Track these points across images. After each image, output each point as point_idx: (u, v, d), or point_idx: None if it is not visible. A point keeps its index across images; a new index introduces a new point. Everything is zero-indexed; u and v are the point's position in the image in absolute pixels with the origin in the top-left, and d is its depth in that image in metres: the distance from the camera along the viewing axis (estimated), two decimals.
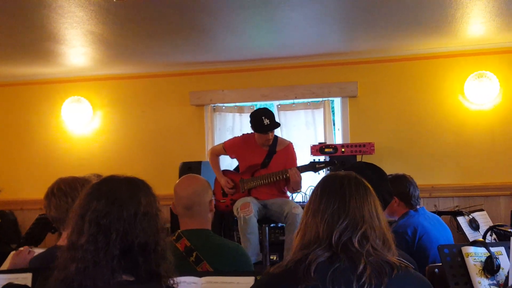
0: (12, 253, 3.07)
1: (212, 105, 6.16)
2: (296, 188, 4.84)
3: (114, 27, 4.58)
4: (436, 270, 2.93)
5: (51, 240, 5.34)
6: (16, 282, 2.38)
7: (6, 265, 3.10)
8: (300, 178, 4.71)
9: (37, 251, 2.87)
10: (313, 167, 4.79)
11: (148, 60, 5.93)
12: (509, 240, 2.50)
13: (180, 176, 5.18)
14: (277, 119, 5.06)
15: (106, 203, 1.72)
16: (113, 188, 1.78)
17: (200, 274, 2.27)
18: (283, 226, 4.94)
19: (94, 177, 4.35)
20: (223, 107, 6.21)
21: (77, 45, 5.15)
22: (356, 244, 1.74)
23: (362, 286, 1.65)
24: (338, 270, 1.70)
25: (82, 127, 6.42)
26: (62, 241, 2.52)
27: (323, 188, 1.89)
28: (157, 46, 5.30)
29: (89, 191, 1.78)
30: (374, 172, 2.66)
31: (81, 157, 6.36)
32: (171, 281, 1.81)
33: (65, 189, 2.59)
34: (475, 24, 4.88)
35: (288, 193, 5.05)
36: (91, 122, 6.42)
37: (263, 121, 4.73)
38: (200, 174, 5.24)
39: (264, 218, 4.82)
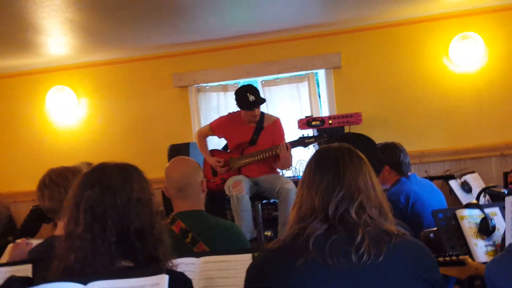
0: (10, 245, 3.08)
1: (196, 85, 6.12)
2: (286, 165, 4.82)
3: (92, 13, 4.52)
4: (431, 235, 2.96)
5: (46, 231, 5.35)
6: (17, 274, 2.38)
7: (5, 257, 3.13)
8: (290, 154, 4.70)
9: (35, 242, 2.89)
10: (302, 142, 4.78)
11: (128, 45, 5.86)
12: (503, 200, 2.52)
13: (169, 158, 5.16)
14: (262, 95, 5.03)
15: (99, 191, 1.72)
16: (105, 175, 1.78)
17: (197, 255, 2.28)
18: (275, 202, 4.95)
19: (84, 166, 4.33)
20: (207, 87, 6.17)
21: (56, 34, 5.09)
22: (353, 215, 1.74)
23: (361, 257, 1.66)
24: (336, 242, 1.70)
25: (68, 116, 6.38)
26: (59, 231, 2.53)
27: (317, 161, 1.88)
28: (136, 30, 5.23)
29: (82, 180, 1.78)
30: (363, 141, 2.66)
31: (68, 147, 6.33)
32: (170, 264, 1.82)
33: (56, 180, 2.59)
34: None
35: (278, 170, 5.04)
36: (76, 111, 6.37)
37: (248, 97, 4.70)
38: (188, 155, 5.24)
39: (256, 195, 4.82)
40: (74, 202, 1.74)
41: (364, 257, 1.66)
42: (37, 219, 4.89)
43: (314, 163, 1.88)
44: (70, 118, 6.38)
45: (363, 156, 1.90)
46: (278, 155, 4.73)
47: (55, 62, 6.18)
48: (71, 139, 6.38)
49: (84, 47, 5.70)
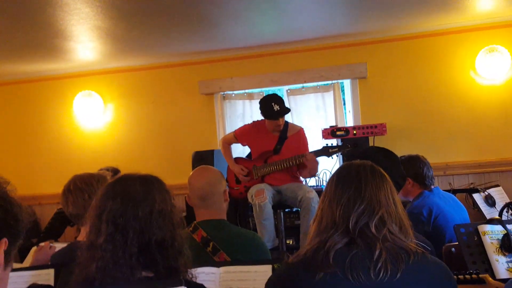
0: (34, 248, 3.14)
1: (222, 93, 6.16)
2: (314, 172, 4.85)
3: (120, 21, 4.60)
4: (453, 249, 2.94)
5: (70, 233, 5.43)
6: (38, 277, 2.43)
7: (28, 261, 3.18)
8: (318, 162, 4.72)
9: (58, 246, 2.93)
10: (326, 151, 4.78)
11: (155, 52, 5.94)
12: None
13: (193, 165, 5.22)
14: (287, 104, 5.05)
15: (122, 203, 1.75)
16: (127, 187, 1.80)
17: (218, 264, 2.30)
18: (298, 210, 4.96)
19: (109, 172, 4.41)
20: (233, 95, 6.20)
21: (85, 40, 5.19)
22: (373, 229, 1.75)
23: (378, 272, 1.67)
24: (356, 257, 1.71)
25: (94, 120, 6.46)
26: (81, 237, 2.57)
27: (339, 176, 1.91)
28: (163, 37, 5.31)
29: (104, 191, 1.81)
30: (385, 156, 2.66)
31: (94, 151, 6.41)
32: (190, 275, 1.84)
33: (81, 186, 2.63)
34: None
35: (302, 178, 5.05)
36: (103, 116, 6.45)
37: (272, 107, 4.73)
38: (212, 162, 5.28)
39: (279, 204, 4.83)
40: (96, 212, 1.77)
41: (382, 273, 1.67)
42: (61, 222, 4.96)
43: (336, 177, 1.91)
44: (97, 122, 6.47)
45: (385, 174, 1.92)
46: (302, 164, 4.74)
47: (83, 67, 6.28)
48: (97, 143, 6.46)
49: (111, 53, 5.80)
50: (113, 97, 6.45)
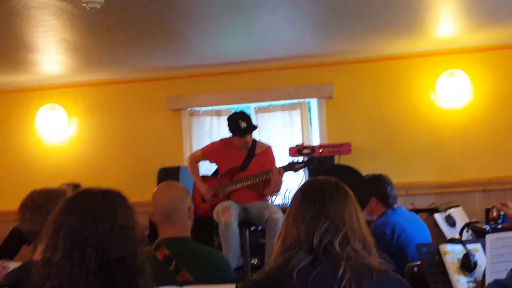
0: None
1: (190, 109, 6.15)
2: (276, 189, 4.85)
3: (88, 35, 4.57)
4: (415, 269, 2.96)
5: (27, 252, 5.27)
6: None
7: None
8: (282, 177, 4.72)
9: (12, 265, 2.82)
10: (292, 167, 4.81)
11: (123, 66, 5.90)
12: (485, 236, 2.54)
13: (158, 182, 5.16)
14: (254, 122, 5.07)
15: (81, 218, 1.68)
16: (88, 202, 1.73)
17: (180, 284, 2.26)
18: (263, 228, 4.95)
19: (70, 187, 4.31)
20: (201, 111, 6.19)
21: (51, 53, 5.13)
22: (337, 247, 1.75)
23: None
24: (320, 275, 1.71)
25: (57, 134, 6.36)
26: (38, 255, 2.48)
27: (304, 192, 1.91)
28: (132, 52, 5.28)
29: (63, 206, 1.74)
30: (350, 174, 2.68)
31: (57, 165, 6.28)
32: None
33: (39, 201, 2.53)
34: (445, 25, 4.97)
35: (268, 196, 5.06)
36: (67, 130, 6.35)
37: (240, 124, 4.74)
38: (178, 179, 5.23)
39: (245, 222, 4.81)
40: (53, 228, 1.69)
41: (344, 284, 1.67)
42: (17, 240, 4.76)
43: (301, 194, 1.91)
44: (60, 136, 6.36)
45: (349, 190, 1.93)
46: (268, 180, 4.74)
47: (47, 80, 6.18)
48: (60, 158, 6.34)
49: (78, 67, 5.74)
50: (78, 111, 6.36)
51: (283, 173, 4.72)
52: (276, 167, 4.77)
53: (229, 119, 4.86)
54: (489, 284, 1.65)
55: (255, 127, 4.86)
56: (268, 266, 1.81)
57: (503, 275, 1.64)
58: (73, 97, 6.36)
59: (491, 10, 4.59)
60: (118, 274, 1.67)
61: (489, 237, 2.48)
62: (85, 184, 4.97)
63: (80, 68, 5.81)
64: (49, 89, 6.35)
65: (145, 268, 1.75)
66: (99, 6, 3.62)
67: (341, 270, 1.70)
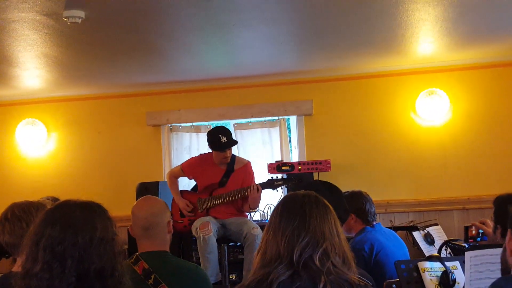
0: None
1: (169, 125, 6.14)
2: (254, 205, 4.84)
3: (68, 49, 4.55)
4: (394, 286, 2.98)
5: (5, 265, 5.18)
6: None
7: None
8: (260, 194, 4.73)
9: None
10: (271, 184, 4.82)
11: (103, 81, 5.88)
12: (464, 254, 2.57)
13: (137, 197, 5.13)
14: (234, 138, 5.08)
15: (61, 229, 1.68)
16: (68, 213, 1.74)
17: None
18: (241, 245, 4.94)
19: (50, 201, 4.26)
20: (180, 127, 6.19)
21: (31, 68, 5.09)
22: (317, 262, 1.75)
23: None
24: None
25: (37, 149, 6.31)
26: (17, 268, 2.46)
27: (284, 207, 1.91)
28: (112, 67, 5.28)
29: (43, 217, 1.74)
30: (329, 190, 2.70)
31: (36, 180, 6.22)
32: None
33: (19, 214, 2.52)
34: (425, 43, 5.04)
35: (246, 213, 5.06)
36: (46, 144, 6.31)
37: (220, 139, 4.75)
38: (157, 194, 5.23)
39: (223, 238, 4.80)
40: (33, 239, 1.70)
41: None
42: None
43: (280, 209, 1.91)
44: (40, 151, 6.31)
45: (329, 205, 1.94)
46: (247, 197, 4.75)
47: (27, 95, 6.15)
48: (39, 172, 6.29)
49: (58, 82, 5.71)
50: (57, 126, 6.32)
51: (261, 190, 4.72)
52: (254, 183, 4.77)
53: (209, 133, 4.88)
54: None
55: (235, 142, 4.89)
56: (247, 280, 1.81)
57: None
58: (53, 112, 6.32)
59: (470, 30, 4.68)
60: (97, 286, 1.68)
61: (468, 254, 2.51)
62: (65, 198, 4.93)
63: (60, 83, 5.78)
64: (29, 104, 6.31)
65: (125, 280, 1.75)
66: (79, 20, 3.63)
67: (321, 285, 1.70)
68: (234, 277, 5.10)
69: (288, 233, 1.80)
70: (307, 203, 1.89)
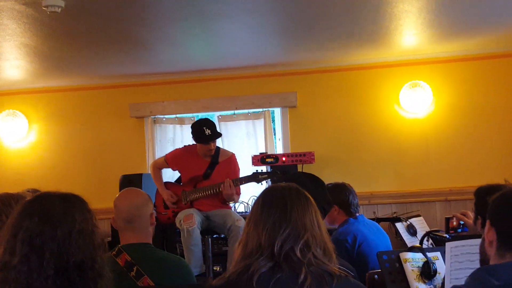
0: None
1: (152, 116, 6.11)
2: (229, 200, 4.84)
3: (48, 40, 4.49)
4: (376, 276, 2.99)
5: None
6: None
7: None
8: (233, 191, 4.70)
9: None
10: (255, 177, 4.81)
11: (85, 72, 5.83)
12: (445, 245, 2.58)
13: (120, 189, 5.10)
14: (218, 130, 5.07)
15: (39, 222, 1.67)
16: (46, 205, 1.72)
17: None
18: (225, 236, 4.95)
19: (30, 193, 4.22)
20: (164, 119, 6.16)
21: (10, 58, 5.02)
22: (298, 253, 1.75)
23: None
24: (280, 280, 1.71)
25: (18, 141, 6.24)
26: None
27: (265, 199, 1.91)
28: (94, 58, 5.22)
29: (21, 209, 1.72)
30: (312, 181, 2.69)
31: (17, 172, 6.16)
32: None
33: None
34: (408, 36, 5.06)
35: (231, 204, 5.05)
36: (27, 136, 6.24)
37: (204, 131, 4.73)
38: (141, 186, 5.20)
39: (207, 230, 4.80)
40: (11, 231, 1.68)
41: None
42: None
43: (262, 200, 1.91)
44: (21, 143, 6.25)
45: (310, 196, 1.94)
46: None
47: (8, 86, 6.07)
48: (20, 164, 6.22)
49: (39, 72, 5.64)
50: (39, 117, 6.26)
51: (235, 186, 4.69)
52: (228, 179, 4.74)
53: (193, 126, 4.85)
54: None
55: (219, 135, 4.88)
56: (228, 272, 1.81)
57: (462, 282, 1.67)
58: (34, 103, 6.25)
59: (453, 22, 4.70)
60: (77, 279, 1.66)
61: (448, 245, 2.53)
62: (46, 190, 4.90)
63: (41, 74, 5.72)
64: (9, 95, 6.23)
65: (105, 273, 1.74)
66: (59, 10, 3.57)
67: (302, 276, 1.70)
68: (218, 268, 5.10)
69: (269, 225, 1.80)
70: (287, 195, 1.88)
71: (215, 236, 5.05)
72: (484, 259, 1.75)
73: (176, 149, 5.22)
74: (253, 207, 1.93)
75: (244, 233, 1.88)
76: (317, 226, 1.86)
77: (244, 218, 4.58)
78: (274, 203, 1.86)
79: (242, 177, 4.81)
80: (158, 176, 5.09)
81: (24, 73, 5.62)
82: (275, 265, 1.74)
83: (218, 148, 4.98)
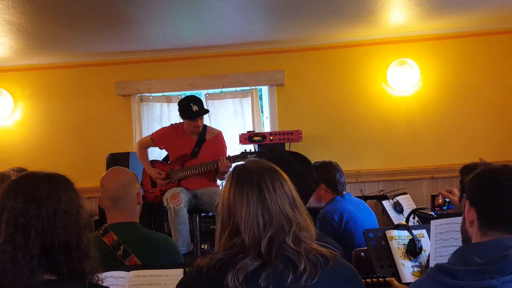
0: None
1: (139, 95, 6.06)
2: (222, 176, 4.87)
3: (33, 16, 4.43)
4: (362, 254, 3.03)
5: None
6: None
7: None
8: (230, 167, 4.73)
9: None
10: (244, 157, 4.81)
11: (71, 50, 5.75)
12: (430, 222, 2.61)
13: (107, 168, 5.09)
14: (206, 106, 5.05)
15: (24, 202, 1.66)
16: (31, 185, 1.71)
17: (128, 268, 2.25)
18: (213, 215, 4.96)
19: (15, 172, 4.20)
20: (150, 97, 6.12)
21: None
22: (290, 248, 1.68)
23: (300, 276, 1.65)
24: (270, 275, 1.64)
25: (3, 119, 6.18)
26: None
27: (238, 182, 1.78)
28: (80, 35, 5.16)
29: (6, 189, 1.72)
30: (298, 160, 2.69)
31: (3, 151, 6.11)
32: (96, 278, 1.77)
33: None
34: (396, 13, 5.04)
35: (218, 181, 5.06)
36: (13, 114, 6.18)
37: (191, 107, 4.72)
38: (128, 165, 5.19)
39: (195, 208, 4.81)
40: None
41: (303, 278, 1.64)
42: None
43: (234, 184, 1.78)
44: (6, 121, 6.18)
45: (280, 171, 1.82)
46: (218, 169, 4.75)
47: None
48: (6, 143, 6.16)
49: (24, 50, 5.56)
50: (24, 95, 6.19)
51: (232, 162, 4.71)
52: (224, 157, 4.75)
53: (180, 102, 4.84)
54: (430, 268, 1.69)
55: (206, 111, 4.87)
56: (216, 255, 1.70)
57: (446, 260, 1.68)
58: (19, 81, 6.18)
59: None
60: (62, 259, 1.66)
61: (433, 223, 2.55)
62: (32, 169, 4.87)
63: (26, 52, 5.64)
64: None
65: (91, 252, 1.74)
66: None
67: (301, 267, 1.64)
68: (206, 246, 5.13)
69: (249, 220, 1.69)
70: (262, 179, 1.74)
71: (203, 214, 5.06)
72: (466, 238, 1.76)
73: (163, 127, 5.20)
74: (224, 190, 1.81)
75: (219, 217, 1.79)
76: (295, 206, 1.75)
77: None
78: (249, 190, 1.73)
79: (230, 156, 4.80)
80: (144, 155, 5.08)
81: (8, 50, 5.54)
82: (263, 263, 1.65)
83: (205, 126, 4.97)
